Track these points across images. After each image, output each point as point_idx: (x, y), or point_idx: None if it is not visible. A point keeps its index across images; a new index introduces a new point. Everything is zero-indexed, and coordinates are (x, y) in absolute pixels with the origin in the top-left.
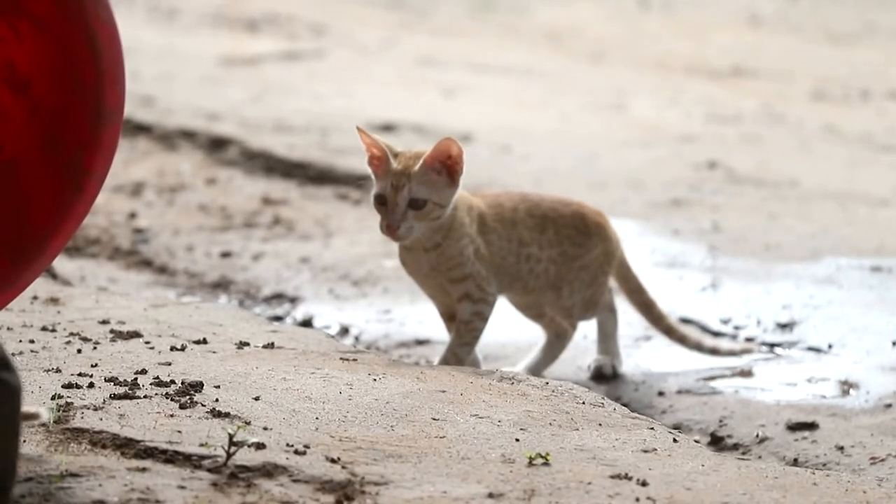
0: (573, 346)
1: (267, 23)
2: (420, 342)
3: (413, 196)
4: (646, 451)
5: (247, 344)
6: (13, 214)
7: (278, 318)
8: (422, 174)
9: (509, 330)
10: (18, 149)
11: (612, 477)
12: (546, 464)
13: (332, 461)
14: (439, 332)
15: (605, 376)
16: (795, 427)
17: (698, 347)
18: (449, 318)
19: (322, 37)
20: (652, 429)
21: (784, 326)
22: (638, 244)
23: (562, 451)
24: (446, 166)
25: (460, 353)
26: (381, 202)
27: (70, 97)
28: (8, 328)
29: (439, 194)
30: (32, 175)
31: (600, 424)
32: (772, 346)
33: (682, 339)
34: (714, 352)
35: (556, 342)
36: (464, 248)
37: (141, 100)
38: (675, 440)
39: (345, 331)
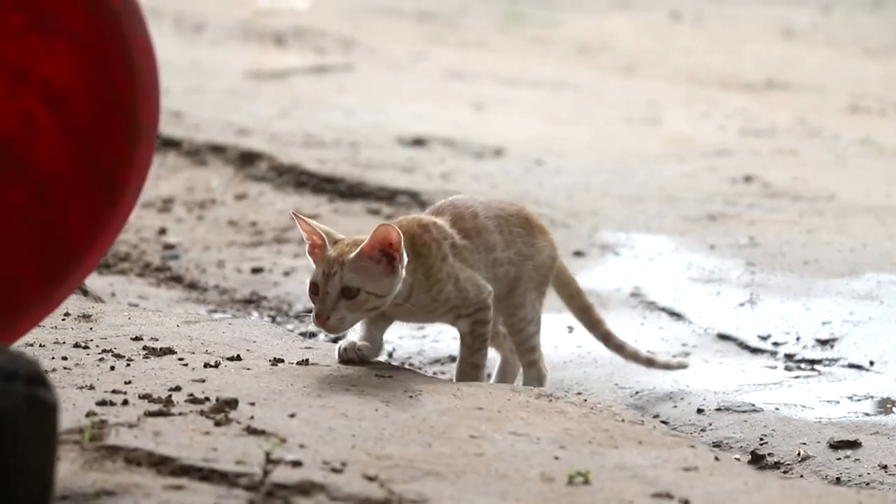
0: (610, 363)
1: (295, 37)
2: (454, 359)
3: (345, 284)
4: (687, 470)
5: (281, 360)
6: (48, 230)
7: (312, 335)
8: (356, 262)
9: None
10: (53, 165)
11: (654, 496)
12: (586, 482)
13: (370, 479)
14: None
15: None
16: (838, 445)
17: (635, 357)
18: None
19: (350, 51)
20: (693, 447)
21: (824, 343)
22: (674, 259)
23: (602, 470)
24: (385, 254)
25: (475, 359)
26: (313, 291)
27: (105, 113)
28: (41, 345)
29: (375, 283)
30: (67, 191)
31: (640, 442)
32: (812, 363)
33: (619, 348)
34: (650, 363)
35: (512, 358)
36: (441, 291)
37: (170, 115)
38: (716, 458)
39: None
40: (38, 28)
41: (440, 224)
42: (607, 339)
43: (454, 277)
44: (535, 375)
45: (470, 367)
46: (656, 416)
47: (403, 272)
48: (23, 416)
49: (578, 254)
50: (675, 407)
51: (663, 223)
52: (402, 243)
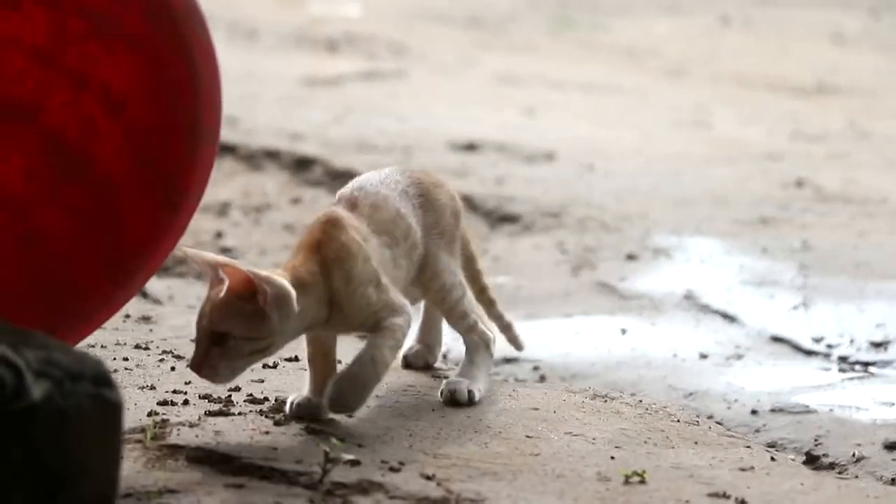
0: (663, 364)
1: (347, 43)
2: (508, 360)
3: (215, 329)
4: (743, 470)
5: (338, 361)
6: (110, 233)
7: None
8: (224, 302)
9: (598, 348)
10: (115, 168)
11: (710, 495)
12: (642, 482)
13: (427, 478)
14: (529, 350)
15: (460, 402)
16: (893, 446)
17: (497, 318)
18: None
19: (401, 56)
20: (748, 447)
21: (878, 345)
22: (726, 262)
23: (658, 470)
24: (254, 295)
25: (385, 353)
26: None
27: (166, 117)
28: (102, 346)
29: (248, 327)
30: (129, 194)
31: (696, 443)
32: (866, 364)
33: (489, 302)
34: (507, 329)
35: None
36: (364, 296)
37: (225, 120)
38: (772, 458)
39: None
40: (99, 34)
41: (356, 224)
42: (481, 292)
43: (376, 280)
44: (477, 341)
45: (370, 359)
46: (710, 417)
47: (300, 306)
48: (89, 415)
49: (631, 257)
50: (728, 408)
51: (714, 226)
52: (267, 283)
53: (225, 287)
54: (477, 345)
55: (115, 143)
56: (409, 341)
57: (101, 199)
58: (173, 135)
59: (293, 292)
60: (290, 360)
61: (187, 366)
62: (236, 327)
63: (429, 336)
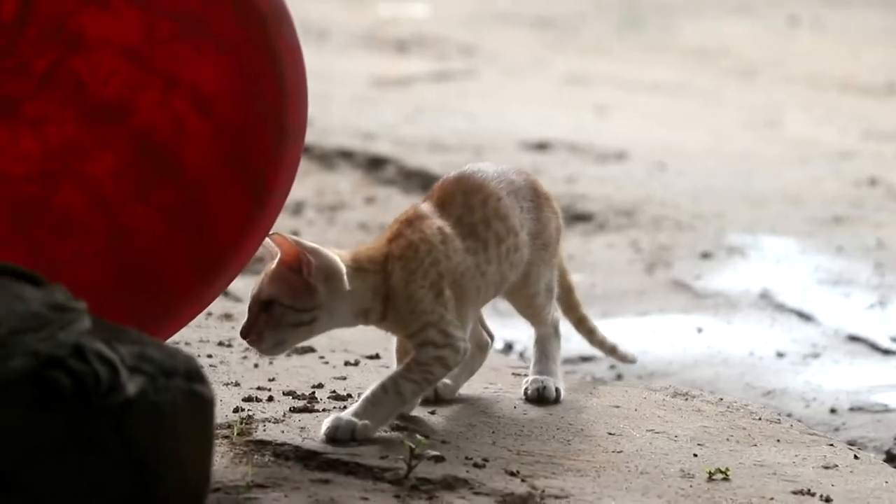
0: (741, 363)
1: (416, 44)
2: (584, 359)
3: (262, 298)
4: (827, 468)
5: None
6: (199, 231)
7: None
8: (274, 272)
9: (674, 346)
10: (203, 167)
11: (795, 493)
12: (726, 479)
13: (512, 474)
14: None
15: (548, 400)
16: None
17: (601, 345)
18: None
19: (471, 57)
20: (831, 445)
21: None
22: (800, 261)
23: (741, 467)
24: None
25: (405, 389)
26: None
27: (253, 116)
28: (186, 343)
29: (294, 297)
30: (217, 193)
31: (778, 440)
32: None
33: (589, 333)
34: (612, 351)
35: (478, 354)
36: (418, 305)
37: None
38: (855, 457)
39: (509, 347)
40: (188, 35)
41: (439, 224)
42: (580, 322)
43: (438, 289)
44: (550, 330)
45: (393, 390)
46: (789, 416)
47: (355, 286)
48: (182, 410)
49: (705, 255)
50: (807, 407)
51: (789, 225)
52: (313, 254)
53: (277, 258)
54: (549, 333)
55: (205, 143)
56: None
57: (191, 197)
58: (261, 134)
59: (342, 267)
60: (371, 357)
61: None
62: (282, 295)
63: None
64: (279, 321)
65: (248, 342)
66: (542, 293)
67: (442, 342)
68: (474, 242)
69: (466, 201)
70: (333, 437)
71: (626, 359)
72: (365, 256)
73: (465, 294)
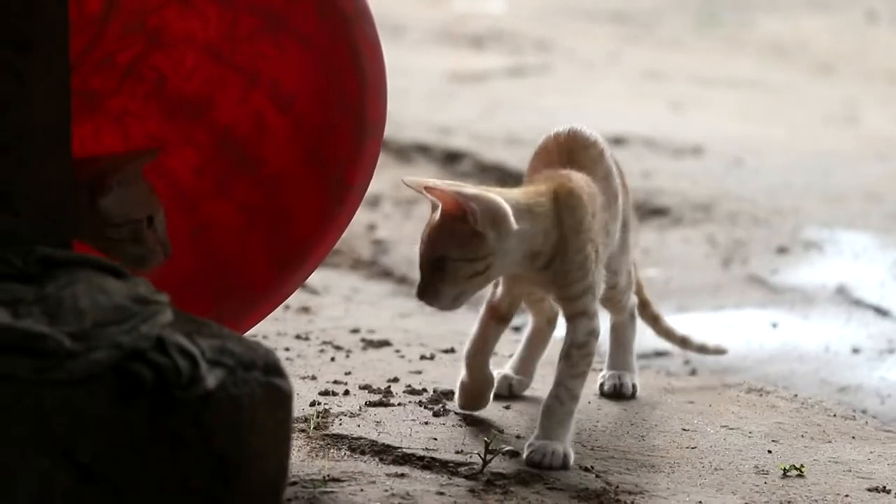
0: (815, 358)
1: (492, 39)
2: (659, 354)
3: (433, 255)
4: None
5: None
6: (279, 226)
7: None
8: (438, 225)
9: (749, 341)
10: (283, 163)
11: (870, 490)
12: (801, 475)
13: (586, 470)
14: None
15: (624, 395)
16: None
17: (668, 334)
18: (499, 318)
19: (546, 52)
20: None
21: None
22: (879, 256)
23: (815, 464)
24: (471, 213)
25: (575, 386)
26: None
27: (333, 113)
28: (264, 336)
29: (464, 248)
30: (297, 188)
31: (853, 437)
32: None
33: (653, 318)
34: (684, 343)
35: (547, 329)
36: (585, 260)
37: None
38: None
39: None
40: (269, 31)
41: (587, 179)
42: (644, 306)
43: (596, 245)
44: (626, 318)
45: (567, 396)
46: (864, 412)
47: (526, 227)
48: (260, 403)
49: (782, 250)
50: (882, 403)
51: (867, 221)
52: (475, 200)
53: (438, 211)
54: (625, 320)
55: (285, 139)
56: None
57: (270, 193)
58: (341, 131)
59: (507, 208)
60: (446, 351)
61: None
62: (452, 250)
63: (525, 369)
64: (454, 275)
65: (424, 301)
66: (624, 274)
67: (593, 311)
68: (604, 197)
69: (588, 155)
70: (539, 464)
71: (718, 350)
72: (528, 197)
73: (599, 255)
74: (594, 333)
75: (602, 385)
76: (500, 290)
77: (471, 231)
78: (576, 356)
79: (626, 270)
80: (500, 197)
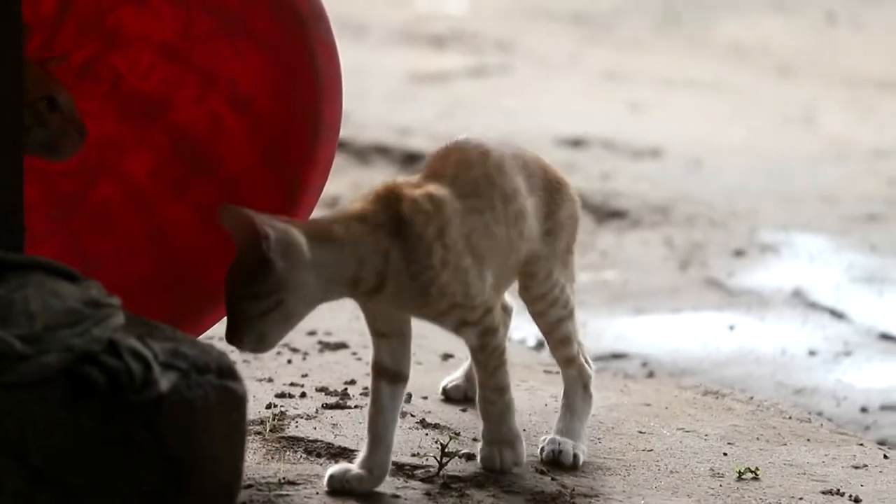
0: (772, 361)
1: (453, 39)
2: (616, 356)
3: (228, 293)
4: (856, 468)
5: (451, 356)
6: None
7: None
8: (234, 262)
9: (706, 344)
10: (240, 165)
11: (824, 493)
12: (756, 478)
13: (542, 473)
14: (637, 346)
15: (563, 465)
16: None
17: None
18: (388, 376)
19: (507, 52)
20: (861, 444)
21: None
22: (834, 259)
23: (770, 466)
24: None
25: (497, 380)
26: None
27: (290, 114)
28: (220, 338)
29: (251, 284)
30: (252, 190)
31: (808, 440)
32: None
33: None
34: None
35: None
36: (436, 280)
37: None
38: (885, 456)
39: (541, 344)
40: (226, 33)
41: (432, 190)
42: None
43: (454, 264)
44: (576, 377)
45: (494, 393)
46: (820, 414)
47: (318, 258)
48: (214, 406)
49: (739, 253)
50: (838, 405)
51: (823, 223)
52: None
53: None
54: (576, 383)
55: (242, 140)
56: (455, 372)
57: (226, 194)
58: (297, 132)
59: (300, 238)
60: None
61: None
62: (240, 288)
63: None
64: (247, 315)
65: (233, 346)
66: (554, 295)
67: (478, 316)
68: (477, 200)
69: (463, 158)
70: (493, 469)
71: None
72: (340, 220)
73: (480, 257)
74: (488, 332)
75: (542, 450)
76: (371, 341)
77: (258, 263)
78: (482, 358)
79: (558, 288)
80: (295, 227)
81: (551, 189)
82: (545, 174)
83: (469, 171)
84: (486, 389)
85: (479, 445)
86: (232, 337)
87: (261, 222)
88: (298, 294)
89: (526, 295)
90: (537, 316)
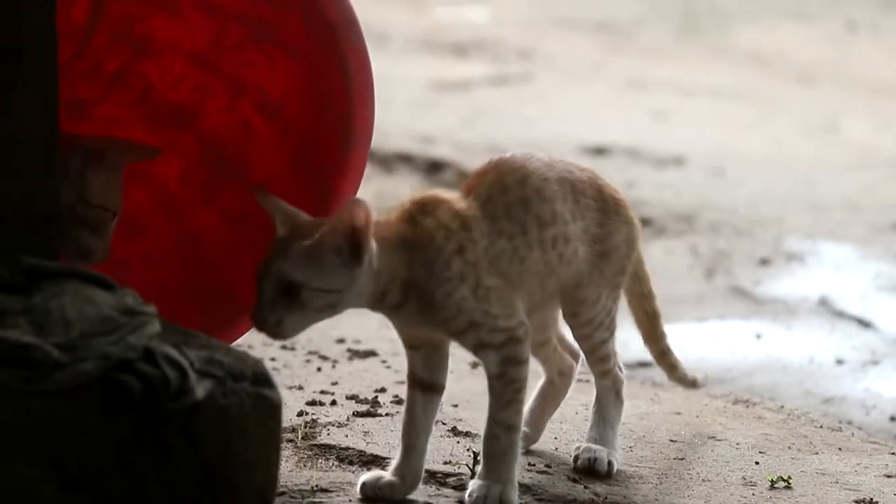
0: (799, 370)
1: (475, 48)
2: (643, 364)
3: (283, 279)
4: (889, 476)
5: (480, 364)
6: (266, 235)
7: None
8: (303, 250)
9: (733, 352)
10: (270, 171)
11: (857, 502)
12: (788, 487)
13: (574, 481)
14: None
15: (598, 473)
16: None
17: (681, 380)
18: (423, 386)
19: (529, 61)
20: (893, 454)
21: None
22: (861, 268)
23: (803, 475)
24: (350, 241)
25: (507, 417)
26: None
27: (320, 121)
28: (249, 346)
29: (326, 278)
30: (282, 196)
31: (840, 449)
32: None
33: (671, 367)
34: (694, 384)
35: (560, 381)
36: (453, 293)
37: None
38: None
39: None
40: (256, 40)
41: (459, 207)
42: (662, 356)
43: (473, 280)
44: (609, 387)
45: (501, 429)
46: (850, 423)
47: (374, 263)
48: (249, 413)
49: (764, 261)
50: (867, 414)
51: (848, 232)
52: (372, 228)
53: (316, 236)
54: (608, 392)
55: (271, 148)
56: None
57: (256, 201)
58: (327, 139)
59: (372, 244)
60: None
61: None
62: (315, 278)
63: (534, 422)
64: (305, 305)
65: (265, 331)
66: (599, 319)
67: (499, 341)
68: (508, 224)
69: (499, 179)
70: None
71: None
72: (382, 230)
73: (508, 281)
74: (511, 361)
75: (576, 458)
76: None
77: (343, 262)
78: (498, 387)
79: (604, 311)
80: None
81: (607, 210)
82: (600, 195)
83: (504, 193)
84: (493, 423)
85: (480, 472)
86: (270, 324)
87: (366, 229)
88: (350, 296)
89: (573, 321)
90: (582, 339)
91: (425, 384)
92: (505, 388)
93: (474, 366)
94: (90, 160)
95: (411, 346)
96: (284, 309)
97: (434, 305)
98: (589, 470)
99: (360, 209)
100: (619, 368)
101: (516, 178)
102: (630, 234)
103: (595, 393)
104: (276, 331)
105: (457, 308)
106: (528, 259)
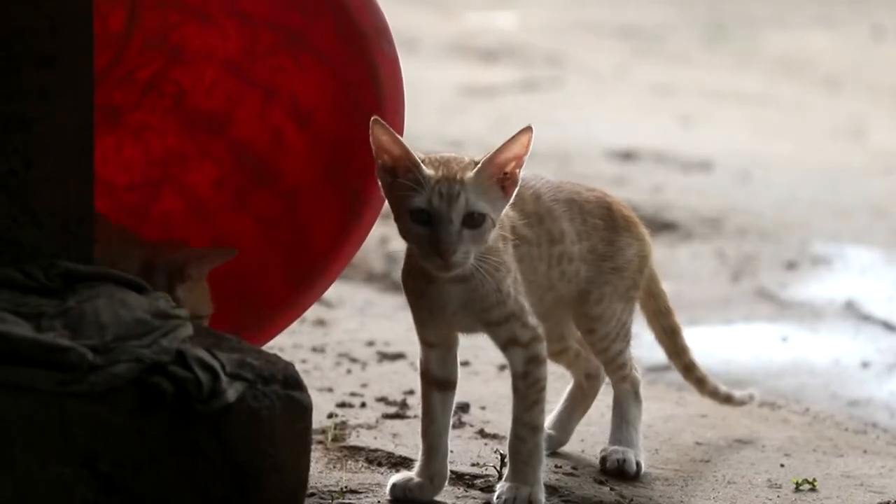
0: (826, 372)
1: (503, 53)
2: (668, 367)
3: (471, 209)
4: None
5: (506, 366)
6: (297, 240)
7: None
8: (478, 181)
9: (759, 355)
10: (301, 178)
11: None
12: (813, 489)
13: (601, 483)
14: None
15: (627, 474)
16: None
17: (713, 394)
18: (437, 385)
19: (557, 66)
20: None
21: None
22: (886, 272)
23: (828, 478)
24: (506, 173)
25: (532, 418)
26: (423, 220)
27: (351, 128)
28: (280, 349)
29: (495, 208)
30: (314, 203)
31: (865, 451)
32: None
33: (699, 382)
34: (728, 400)
35: (588, 385)
36: (502, 280)
37: None
38: None
39: None
40: (288, 47)
41: (509, 211)
42: (688, 370)
43: (515, 272)
44: (628, 390)
45: (527, 431)
46: (875, 426)
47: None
48: (280, 415)
49: (791, 265)
50: (892, 417)
51: (874, 236)
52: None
53: (480, 164)
54: (628, 394)
55: (303, 154)
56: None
57: (288, 207)
58: (358, 145)
59: None
60: (461, 364)
61: (423, 259)
62: (491, 208)
63: (562, 426)
64: (482, 237)
65: (448, 262)
66: (614, 333)
67: (527, 338)
68: (530, 232)
69: (519, 193)
70: None
71: (744, 402)
72: None
73: (526, 284)
74: (535, 360)
75: (604, 460)
76: (420, 350)
77: (499, 195)
78: (522, 387)
79: (618, 322)
80: None
81: (617, 228)
82: (609, 214)
83: (524, 205)
84: (519, 425)
85: (500, 482)
86: (460, 256)
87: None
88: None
89: (590, 337)
90: (600, 352)
91: (441, 382)
92: (529, 389)
93: (501, 368)
94: (174, 277)
95: (429, 344)
96: (470, 240)
97: (485, 289)
98: (618, 471)
99: (527, 135)
100: (635, 369)
101: (530, 194)
102: (642, 250)
103: (613, 396)
104: (463, 261)
105: (499, 294)
106: (538, 270)
